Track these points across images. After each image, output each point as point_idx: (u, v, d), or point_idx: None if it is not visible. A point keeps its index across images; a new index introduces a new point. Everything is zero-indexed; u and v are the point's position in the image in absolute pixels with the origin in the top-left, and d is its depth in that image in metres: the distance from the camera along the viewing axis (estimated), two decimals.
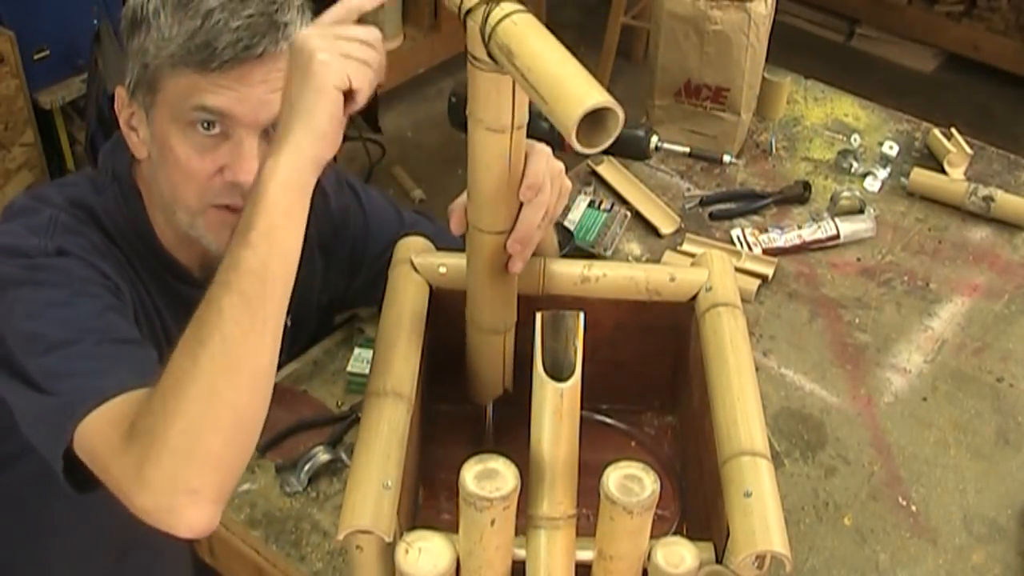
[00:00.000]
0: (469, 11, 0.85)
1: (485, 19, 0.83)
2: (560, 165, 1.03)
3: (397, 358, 1.00)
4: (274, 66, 1.04)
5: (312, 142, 0.90)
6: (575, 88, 0.75)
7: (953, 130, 1.83)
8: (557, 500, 0.89)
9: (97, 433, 0.91)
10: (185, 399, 0.85)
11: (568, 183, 1.06)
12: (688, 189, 1.73)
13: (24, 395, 0.97)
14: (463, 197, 1.02)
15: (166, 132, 1.06)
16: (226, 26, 1.01)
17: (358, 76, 0.92)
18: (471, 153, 0.94)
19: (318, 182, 1.34)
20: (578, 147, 0.76)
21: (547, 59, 0.79)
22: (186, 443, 0.85)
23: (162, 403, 0.86)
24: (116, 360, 0.97)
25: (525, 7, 0.84)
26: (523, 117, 0.91)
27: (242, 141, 1.06)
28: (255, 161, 1.05)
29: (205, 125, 1.05)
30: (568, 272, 1.10)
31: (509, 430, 1.00)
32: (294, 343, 1.37)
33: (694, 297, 1.10)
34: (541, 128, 1.43)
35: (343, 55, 0.92)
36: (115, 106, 1.10)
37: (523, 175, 0.97)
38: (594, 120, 0.75)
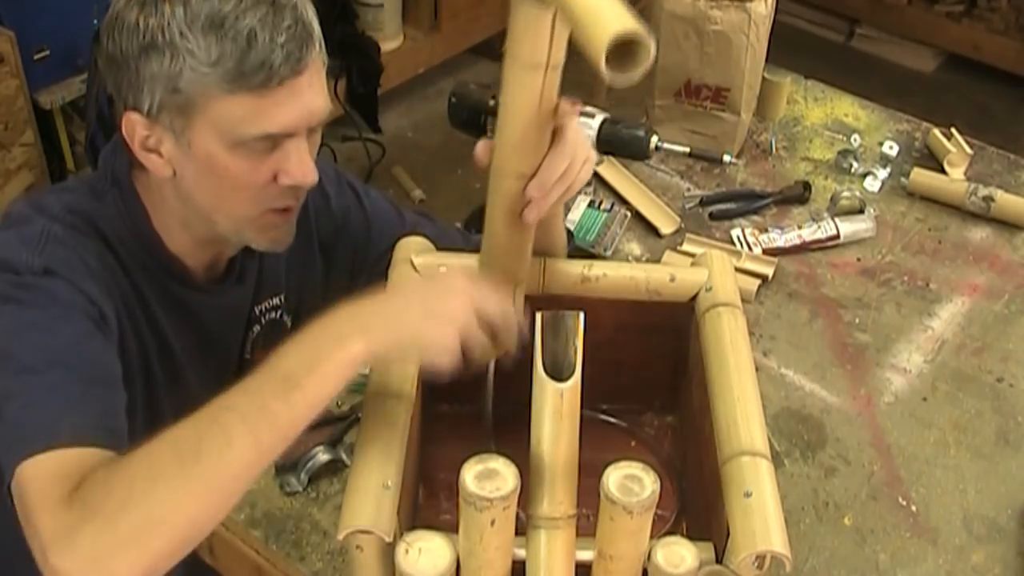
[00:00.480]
0: None
1: None
2: (586, 139, 1.03)
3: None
4: (314, 69, 1.04)
5: (389, 349, 0.93)
6: (609, 13, 0.76)
7: (953, 130, 1.83)
8: (557, 500, 0.89)
9: (35, 479, 0.89)
10: (152, 495, 0.84)
11: (594, 154, 1.04)
12: (688, 189, 1.73)
13: None
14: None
15: (213, 151, 1.04)
16: (273, 43, 0.99)
17: (472, 352, 0.94)
18: (503, 91, 0.93)
19: (320, 184, 1.34)
20: (606, 72, 0.76)
21: None
22: (132, 533, 0.83)
23: (126, 485, 0.85)
24: (79, 403, 0.95)
25: None
26: (559, 57, 0.89)
27: (296, 146, 1.06)
28: (312, 163, 1.07)
29: (260, 140, 1.04)
30: (568, 272, 1.10)
31: (509, 430, 1.00)
32: None
33: (694, 297, 1.10)
34: None
35: (471, 329, 0.93)
36: (124, 129, 1.06)
37: (555, 111, 0.96)
38: (624, 53, 0.76)
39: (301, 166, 1.07)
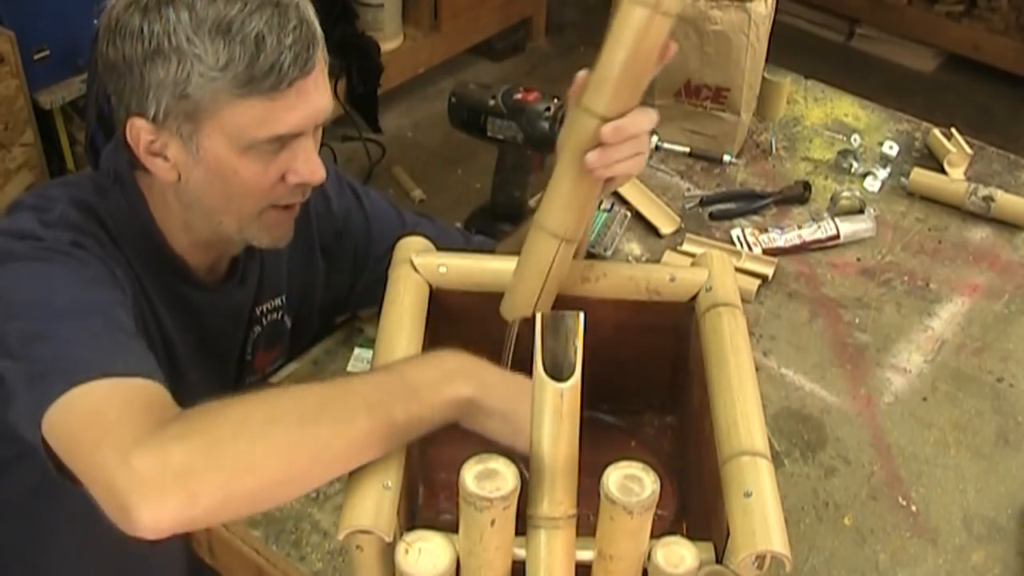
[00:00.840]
0: None
1: None
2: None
3: (397, 358, 1.00)
4: (319, 69, 1.05)
5: (490, 415, 0.95)
6: None
7: (953, 130, 1.83)
8: (557, 500, 0.89)
9: (108, 398, 0.88)
10: (266, 435, 0.85)
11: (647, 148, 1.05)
12: (688, 189, 1.73)
13: (15, 360, 0.94)
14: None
15: (223, 155, 1.04)
16: (282, 45, 1.00)
17: None
18: (612, 25, 0.94)
19: (320, 185, 1.34)
20: None
21: None
22: (231, 461, 0.83)
23: (241, 417, 0.85)
24: (125, 346, 0.95)
25: None
26: (673, 4, 0.91)
27: (304, 146, 1.07)
28: (319, 161, 1.09)
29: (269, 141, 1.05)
30: (568, 272, 1.10)
31: None
32: (295, 344, 1.37)
33: (694, 297, 1.10)
34: (542, 128, 1.44)
35: None
36: (128, 135, 1.05)
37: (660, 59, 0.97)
38: None
39: (309, 164, 1.08)
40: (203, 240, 1.16)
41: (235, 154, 1.04)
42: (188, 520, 0.82)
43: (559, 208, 1.02)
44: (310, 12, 1.05)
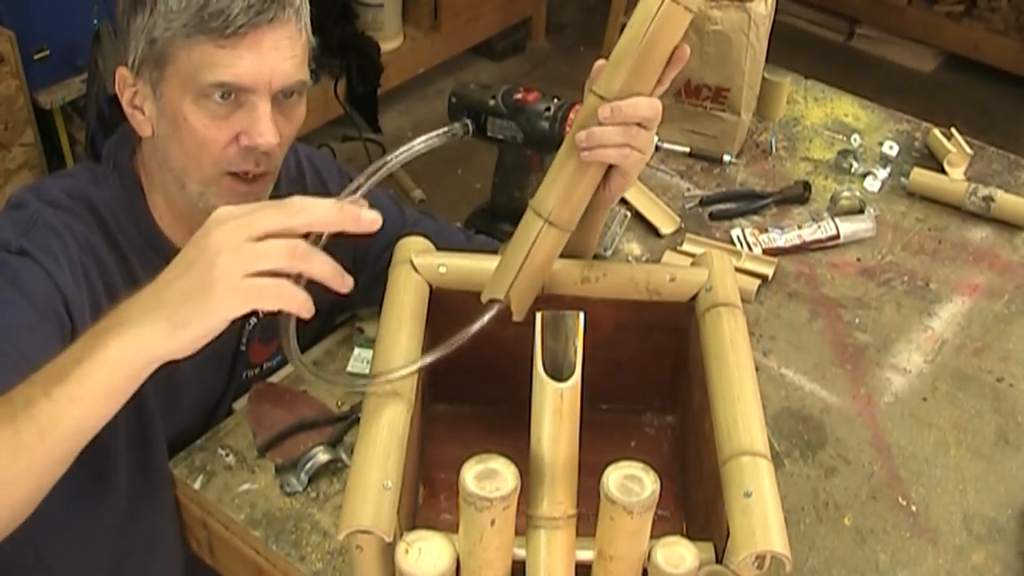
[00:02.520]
0: None
1: None
2: (652, 143, 1.03)
3: (397, 358, 1.00)
4: (283, 33, 1.07)
5: (164, 344, 0.81)
6: None
7: (953, 130, 1.83)
8: (557, 500, 0.89)
9: None
10: None
11: (653, 145, 1.04)
12: (688, 189, 1.73)
13: None
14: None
15: (178, 103, 1.08)
16: None
17: (273, 300, 0.82)
18: (633, 13, 0.95)
19: (321, 180, 1.33)
20: None
21: None
22: None
23: None
24: None
25: None
26: None
27: (256, 106, 1.08)
28: (271, 124, 1.08)
29: (221, 95, 1.07)
30: (568, 272, 1.10)
31: (509, 430, 1.00)
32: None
33: (694, 297, 1.10)
34: (542, 128, 1.44)
35: (254, 274, 0.80)
36: (116, 86, 1.11)
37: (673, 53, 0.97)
38: None
39: (258, 126, 1.08)
40: (185, 213, 1.16)
41: (189, 103, 1.07)
42: None
43: (547, 186, 1.02)
44: None
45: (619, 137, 0.98)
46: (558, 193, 1.01)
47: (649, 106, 0.98)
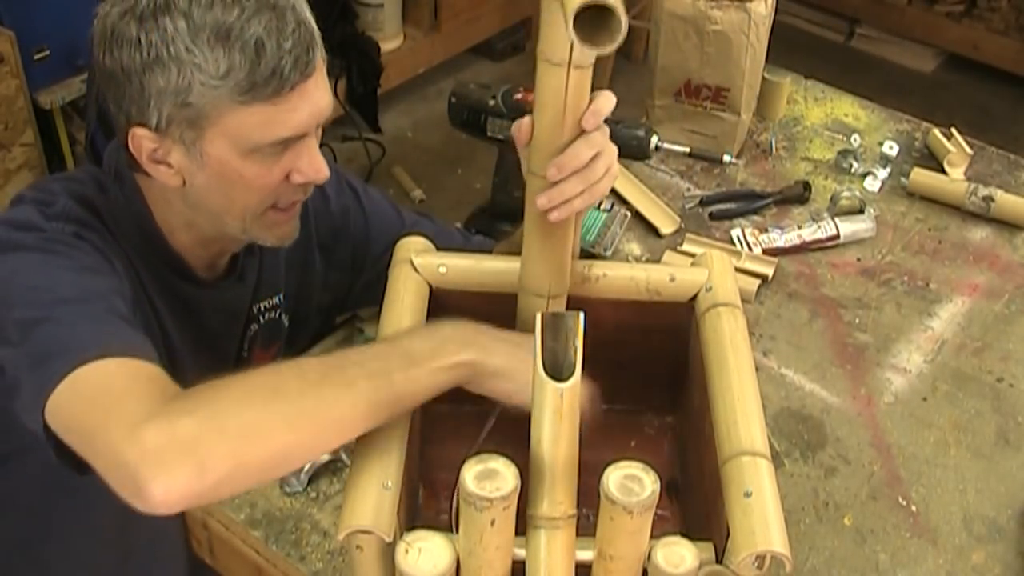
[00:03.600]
0: None
1: None
2: (614, 148, 1.01)
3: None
4: (320, 68, 1.05)
5: (494, 375, 0.96)
6: None
7: (953, 130, 1.83)
8: (557, 500, 0.89)
9: (113, 375, 0.88)
10: (270, 405, 0.85)
11: (617, 168, 1.02)
12: (688, 189, 1.73)
13: (15, 348, 0.94)
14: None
15: (226, 159, 1.04)
16: (282, 50, 0.99)
17: None
18: (535, 89, 0.94)
19: (320, 186, 1.33)
20: (576, 40, 0.79)
21: None
22: (238, 431, 0.83)
23: (245, 390, 0.86)
24: (124, 331, 0.96)
25: None
26: (583, 57, 0.90)
27: (306, 144, 1.07)
28: (322, 158, 1.09)
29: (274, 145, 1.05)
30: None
31: (509, 430, 1.00)
32: (293, 343, 1.37)
33: (694, 297, 1.10)
34: None
35: None
36: (130, 145, 1.06)
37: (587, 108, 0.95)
38: (599, 24, 0.79)
39: (313, 163, 1.08)
40: (206, 238, 1.16)
41: (239, 158, 1.04)
42: (199, 492, 0.82)
43: (533, 266, 1.03)
44: (307, 12, 1.05)
45: (578, 185, 0.97)
46: (549, 270, 1.02)
47: (588, 144, 0.96)
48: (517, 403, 0.95)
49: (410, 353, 0.93)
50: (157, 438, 0.81)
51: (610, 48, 0.80)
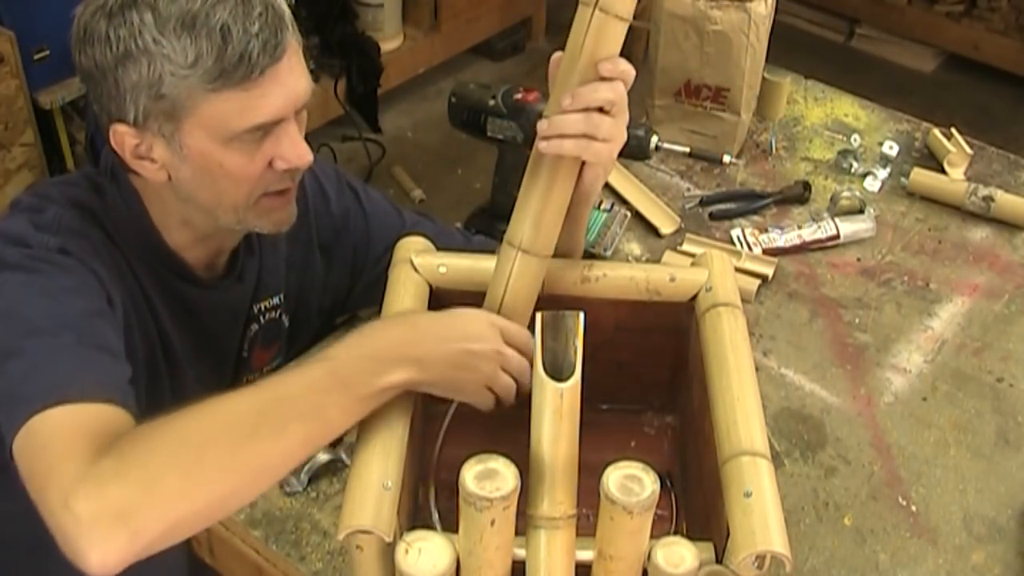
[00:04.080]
0: None
1: None
2: (623, 133, 1.02)
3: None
4: (292, 53, 1.04)
5: (431, 386, 0.97)
6: None
7: (953, 130, 1.83)
8: (557, 500, 0.89)
9: (59, 430, 0.89)
10: (201, 461, 0.85)
11: (615, 150, 1.02)
12: (688, 189, 1.73)
13: None
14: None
15: (206, 150, 1.04)
16: (248, 34, 0.99)
17: (502, 393, 1.00)
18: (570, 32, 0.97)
19: (320, 185, 1.33)
20: None
21: None
22: (169, 493, 0.83)
23: (175, 445, 0.86)
24: (91, 365, 0.96)
25: None
26: (611, 2, 0.92)
27: (285, 130, 1.07)
28: (303, 143, 1.08)
29: (253, 132, 1.05)
30: (568, 272, 1.10)
31: (509, 430, 1.00)
32: (294, 343, 1.37)
33: (694, 297, 1.10)
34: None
35: (498, 378, 0.99)
36: (112, 142, 1.06)
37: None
38: None
39: (295, 148, 1.08)
40: (203, 234, 1.16)
41: (218, 147, 1.04)
42: (136, 553, 0.83)
43: (516, 215, 1.03)
44: None
45: (580, 125, 0.97)
46: (528, 220, 1.02)
47: (609, 88, 0.97)
48: (465, 402, 0.98)
49: (344, 378, 0.91)
50: (89, 509, 0.82)
51: None
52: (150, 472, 0.84)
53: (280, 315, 1.32)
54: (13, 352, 0.95)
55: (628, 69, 0.97)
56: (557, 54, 1.00)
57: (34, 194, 1.12)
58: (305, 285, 1.34)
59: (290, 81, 1.04)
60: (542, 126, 0.98)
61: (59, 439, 0.89)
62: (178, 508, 0.84)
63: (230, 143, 1.04)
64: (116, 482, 0.83)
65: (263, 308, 1.29)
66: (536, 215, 1.01)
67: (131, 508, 0.82)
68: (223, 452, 0.86)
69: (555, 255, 1.06)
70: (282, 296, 1.31)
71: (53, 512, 0.84)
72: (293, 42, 1.04)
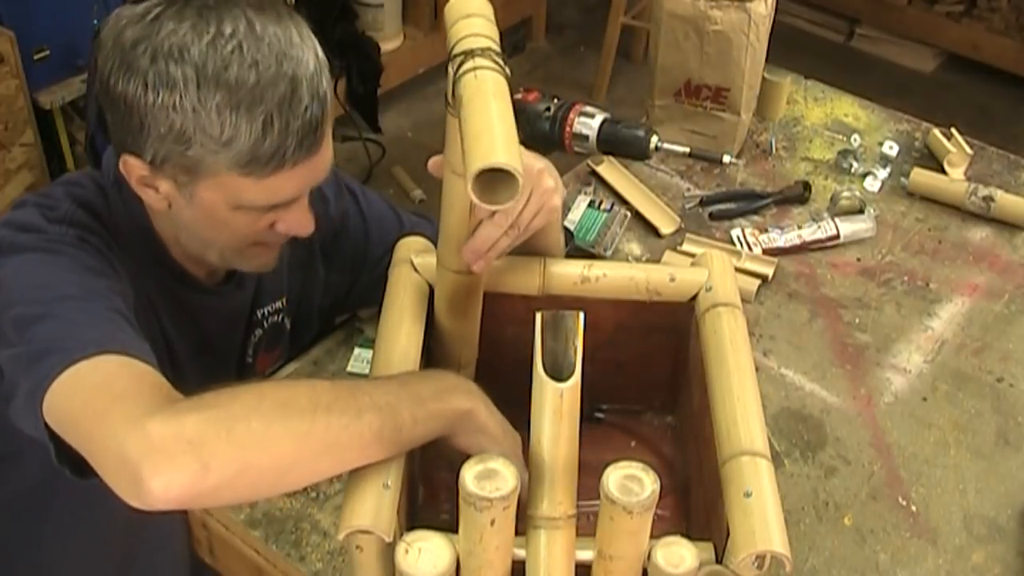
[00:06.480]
0: (452, 58, 0.88)
1: (457, 68, 0.87)
2: (548, 185, 1.01)
3: (397, 358, 1.00)
4: (325, 140, 1.03)
5: (481, 429, 0.96)
6: (484, 145, 0.80)
7: (953, 130, 1.83)
8: (557, 500, 0.89)
9: (116, 372, 0.87)
10: (281, 420, 0.84)
11: (556, 203, 1.02)
12: (688, 189, 1.73)
13: (13, 347, 0.93)
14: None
15: (216, 209, 1.03)
16: (289, 130, 0.97)
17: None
18: (443, 192, 0.98)
19: (318, 188, 1.34)
20: (475, 199, 0.81)
21: (480, 114, 0.83)
22: (244, 438, 0.82)
23: (256, 398, 0.85)
24: (126, 331, 0.95)
25: (502, 67, 0.88)
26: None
27: (298, 201, 1.07)
28: (310, 216, 1.09)
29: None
30: (568, 272, 1.10)
31: None
32: (294, 344, 1.37)
33: (694, 297, 1.10)
34: (542, 128, 1.44)
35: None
36: (121, 168, 1.04)
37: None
38: (497, 178, 0.80)
39: (300, 220, 1.09)
40: (201, 259, 1.16)
41: (228, 209, 1.04)
42: (199, 492, 0.80)
43: (449, 344, 1.07)
44: (324, 81, 1.01)
45: (503, 245, 0.98)
46: (460, 344, 1.07)
47: (495, 224, 0.96)
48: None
49: (417, 393, 0.93)
50: (163, 431, 0.80)
51: (507, 204, 0.82)
52: (231, 413, 0.83)
53: (283, 319, 1.33)
54: (39, 317, 0.93)
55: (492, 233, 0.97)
56: (436, 159, 0.99)
57: (41, 194, 1.11)
58: (307, 287, 1.34)
59: (318, 168, 1.03)
60: (468, 256, 0.97)
61: (120, 380, 0.87)
62: (251, 455, 0.82)
63: (241, 208, 1.04)
64: (195, 414, 0.82)
65: (266, 313, 1.30)
66: (471, 337, 1.09)
67: (207, 439, 0.80)
68: (302, 415, 0.85)
69: (536, 253, 1.09)
70: (284, 300, 1.32)
71: (117, 435, 0.81)
72: (328, 128, 1.02)
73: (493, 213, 0.95)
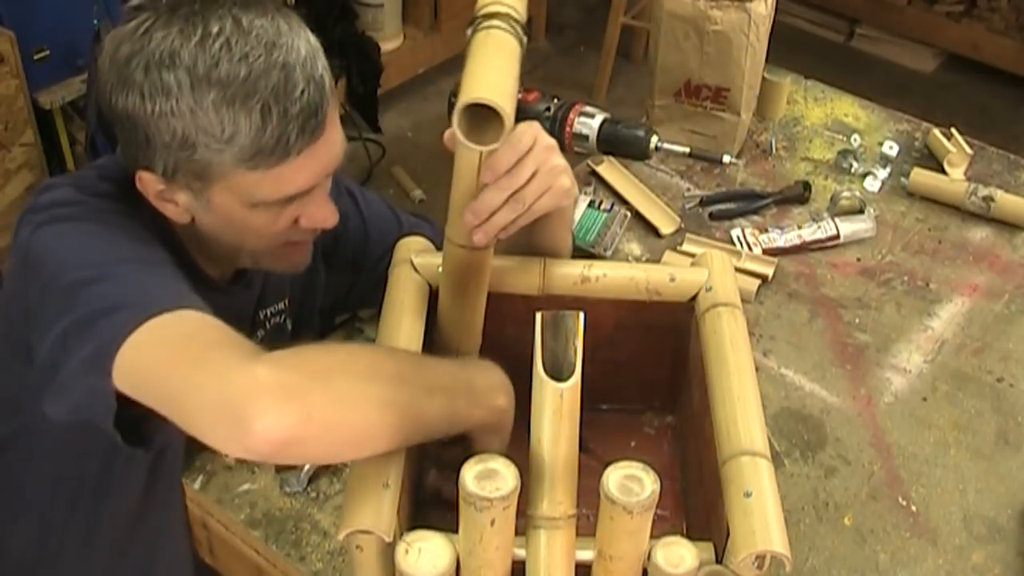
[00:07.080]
0: (473, 20, 0.91)
1: (475, 28, 0.91)
2: (557, 163, 0.99)
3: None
4: (330, 121, 1.02)
5: (500, 422, 0.97)
6: (474, 83, 0.83)
7: (953, 130, 1.83)
8: (557, 500, 0.89)
9: (203, 324, 0.87)
10: (375, 379, 0.85)
11: (565, 183, 1.00)
12: (688, 189, 1.73)
13: (69, 310, 0.91)
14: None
15: (232, 210, 1.03)
16: (288, 116, 0.97)
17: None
18: (455, 162, 0.96)
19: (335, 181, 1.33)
20: (461, 137, 0.84)
21: (479, 59, 0.86)
22: (340, 392, 0.82)
23: (350, 358, 0.87)
24: (192, 294, 0.94)
25: (518, 33, 0.90)
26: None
27: (313, 195, 1.06)
28: (332, 207, 1.09)
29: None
30: (568, 272, 1.10)
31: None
32: (295, 345, 1.37)
33: (694, 297, 1.10)
34: (543, 128, 1.43)
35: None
36: (138, 184, 1.04)
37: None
38: (488, 120, 0.82)
39: (321, 211, 1.08)
40: (218, 256, 1.16)
41: (246, 209, 1.03)
42: (297, 438, 0.79)
43: (449, 330, 1.07)
44: (319, 64, 1.01)
45: (507, 217, 0.97)
46: (460, 329, 1.06)
47: (500, 188, 0.95)
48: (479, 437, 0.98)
49: (474, 386, 0.95)
50: (269, 375, 0.79)
51: (494, 146, 0.82)
52: (327, 369, 0.83)
53: (284, 320, 1.33)
54: (99, 278, 0.92)
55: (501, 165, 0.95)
56: (449, 132, 0.96)
57: (71, 175, 1.10)
58: (308, 289, 1.34)
59: (325, 155, 1.02)
60: (468, 217, 0.95)
61: (211, 330, 0.86)
62: (347, 409, 0.82)
63: (257, 206, 1.03)
64: (295, 368, 0.81)
65: (269, 314, 1.30)
66: (472, 325, 1.07)
67: (310, 391, 0.80)
68: (388, 382, 0.86)
69: (544, 254, 1.09)
70: (286, 301, 1.32)
71: (222, 377, 0.80)
72: (331, 112, 1.02)
73: (498, 180, 0.95)
